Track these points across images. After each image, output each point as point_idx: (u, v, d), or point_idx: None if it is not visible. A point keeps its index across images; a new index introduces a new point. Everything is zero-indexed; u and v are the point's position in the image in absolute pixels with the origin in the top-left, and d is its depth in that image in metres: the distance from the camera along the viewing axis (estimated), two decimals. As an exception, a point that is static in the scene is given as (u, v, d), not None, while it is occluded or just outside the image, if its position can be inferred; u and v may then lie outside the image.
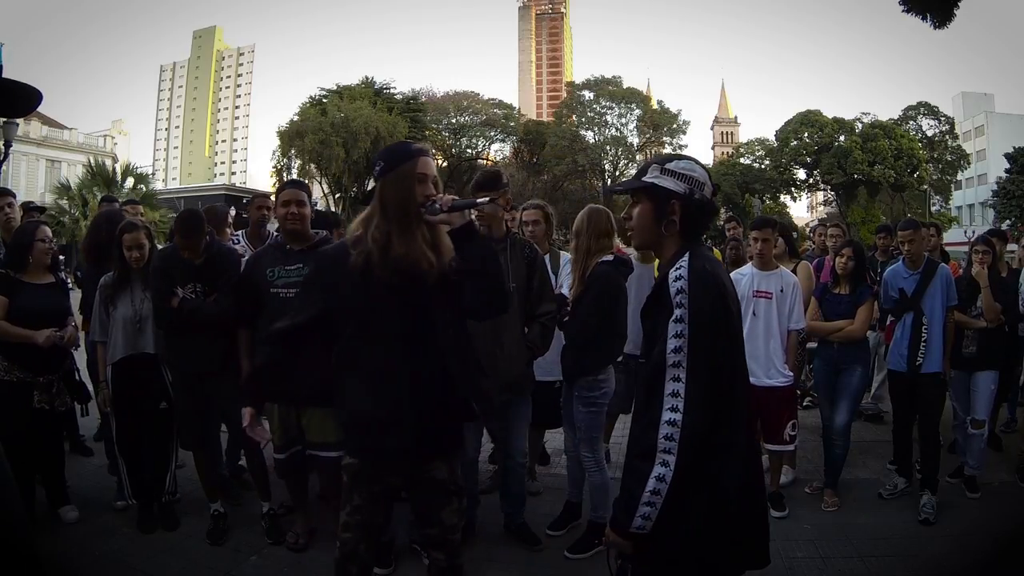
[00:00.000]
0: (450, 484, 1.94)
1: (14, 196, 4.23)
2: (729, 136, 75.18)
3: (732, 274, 3.74)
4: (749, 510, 1.53)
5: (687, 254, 1.52)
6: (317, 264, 2.01)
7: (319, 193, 32.15)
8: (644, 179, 1.60)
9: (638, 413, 1.60)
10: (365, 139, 32.59)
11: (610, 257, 3.00)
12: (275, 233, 3.48)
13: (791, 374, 3.52)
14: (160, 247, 3.43)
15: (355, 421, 1.88)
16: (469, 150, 41.42)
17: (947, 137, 39.32)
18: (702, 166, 1.64)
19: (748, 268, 3.65)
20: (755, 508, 1.57)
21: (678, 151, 40.62)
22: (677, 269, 1.49)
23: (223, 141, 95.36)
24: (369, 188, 1.92)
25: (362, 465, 1.89)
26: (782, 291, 3.51)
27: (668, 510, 1.41)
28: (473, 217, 1.89)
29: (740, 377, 1.55)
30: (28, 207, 4.89)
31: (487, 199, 2.05)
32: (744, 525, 1.51)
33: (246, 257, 3.32)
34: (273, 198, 3.50)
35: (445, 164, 39.95)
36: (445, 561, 1.98)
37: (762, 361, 3.46)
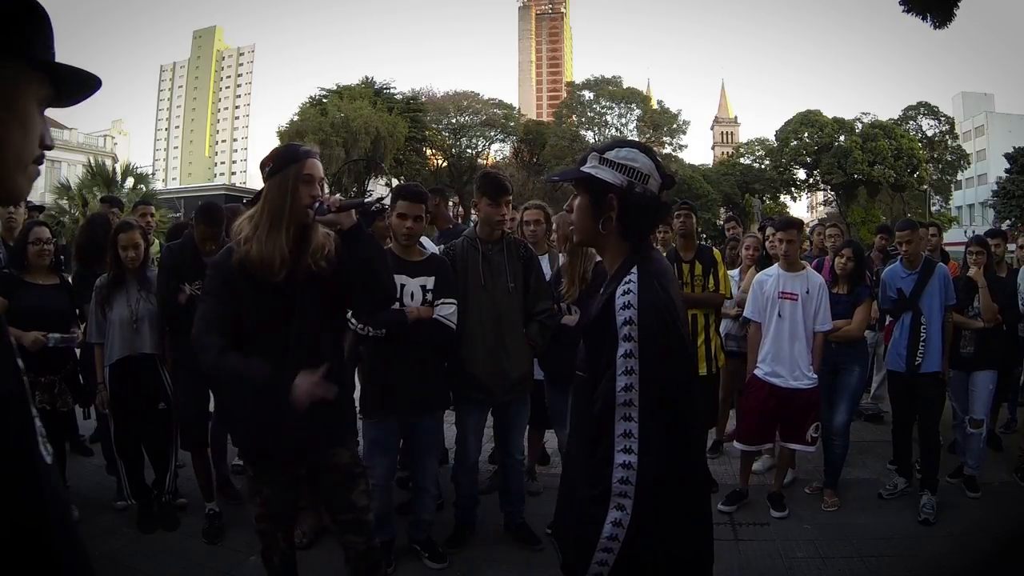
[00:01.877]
0: (354, 467, 1.99)
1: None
2: (729, 136, 75.19)
3: (759, 275, 3.71)
4: (702, 542, 1.43)
5: (635, 270, 1.35)
6: (208, 269, 1.98)
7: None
8: (581, 168, 1.42)
9: (579, 445, 1.46)
10: (365, 139, 32.59)
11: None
12: None
13: (815, 376, 3.47)
14: (163, 246, 3.45)
15: (243, 427, 1.92)
16: (469, 150, 41.41)
17: (947, 137, 39.31)
18: (650, 155, 1.42)
19: (774, 269, 3.60)
20: (706, 538, 1.45)
21: (678, 151, 40.76)
22: (625, 294, 1.31)
23: (223, 141, 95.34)
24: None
25: (260, 458, 1.94)
26: (808, 292, 3.46)
27: (626, 551, 1.28)
28: (357, 217, 1.90)
29: (691, 409, 1.39)
30: (27, 206, 4.89)
31: (374, 199, 2.08)
32: (698, 558, 1.41)
33: None
34: None
35: (445, 164, 39.96)
36: (363, 544, 2.00)
37: (787, 363, 3.43)
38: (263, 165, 1.90)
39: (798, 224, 3.76)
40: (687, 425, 1.36)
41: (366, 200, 2.03)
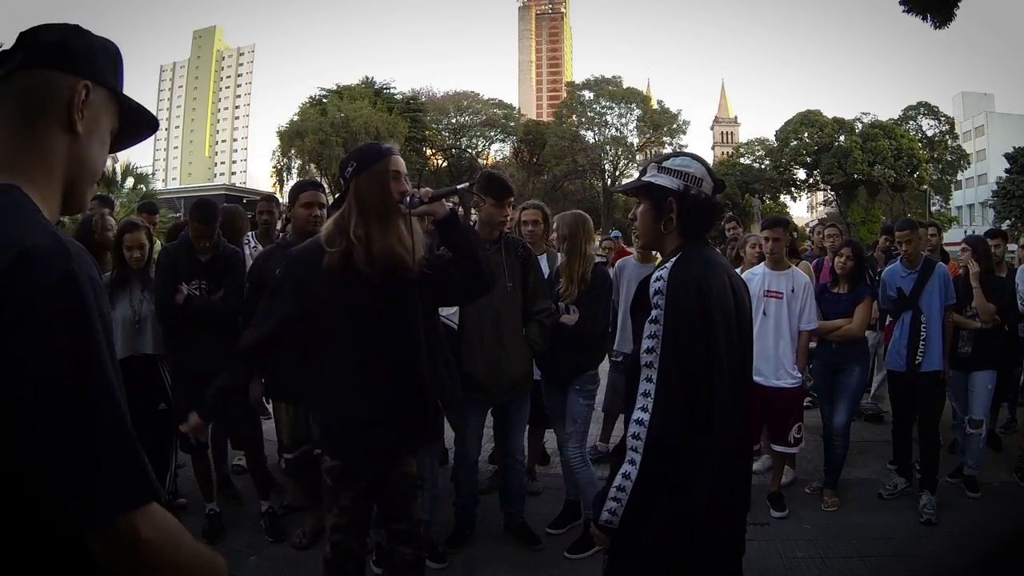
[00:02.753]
0: (416, 479, 2.03)
1: None
2: (729, 136, 75.11)
3: (745, 274, 3.73)
4: (721, 522, 1.45)
5: (677, 255, 1.51)
6: (289, 266, 1.96)
7: (319, 193, 32.13)
8: (643, 179, 1.60)
9: (626, 405, 1.60)
10: (365, 139, 32.52)
11: (602, 258, 3.07)
12: (281, 233, 3.50)
13: (799, 376, 3.50)
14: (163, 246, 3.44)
15: (335, 423, 1.90)
16: (469, 150, 41.43)
17: (947, 137, 39.32)
18: (702, 162, 1.61)
19: (760, 268, 3.63)
20: (730, 521, 1.49)
21: (678, 151, 40.72)
22: (660, 270, 1.49)
23: (223, 141, 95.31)
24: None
25: (344, 466, 1.91)
26: (793, 291, 3.49)
27: (637, 507, 1.41)
28: (455, 206, 1.95)
29: (724, 385, 1.43)
30: None
31: (466, 184, 2.09)
32: (714, 537, 1.43)
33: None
34: (285, 198, 3.53)
35: (445, 164, 39.96)
36: (412, 555, 2.00)
37: (771, 361, 3.45)
38: (344, 164, 1.91)
39: (784, 222, 3.77)
40: (713, 395, 1.42)
41: (457, 187, 2.04)
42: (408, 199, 1.80)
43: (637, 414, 1.41)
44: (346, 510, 1.92)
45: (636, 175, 1.72)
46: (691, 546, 1.42)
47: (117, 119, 0.94)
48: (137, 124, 0.98)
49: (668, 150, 40.22)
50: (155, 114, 1.01)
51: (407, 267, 1.81)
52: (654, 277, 1.48)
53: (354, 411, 1.85)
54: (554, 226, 3.57)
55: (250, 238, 4.03)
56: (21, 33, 0.88)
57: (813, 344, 3.89)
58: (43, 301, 0.72)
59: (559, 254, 3.41)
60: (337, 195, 1.99)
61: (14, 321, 0.70)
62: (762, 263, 3.68)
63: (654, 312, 1.43)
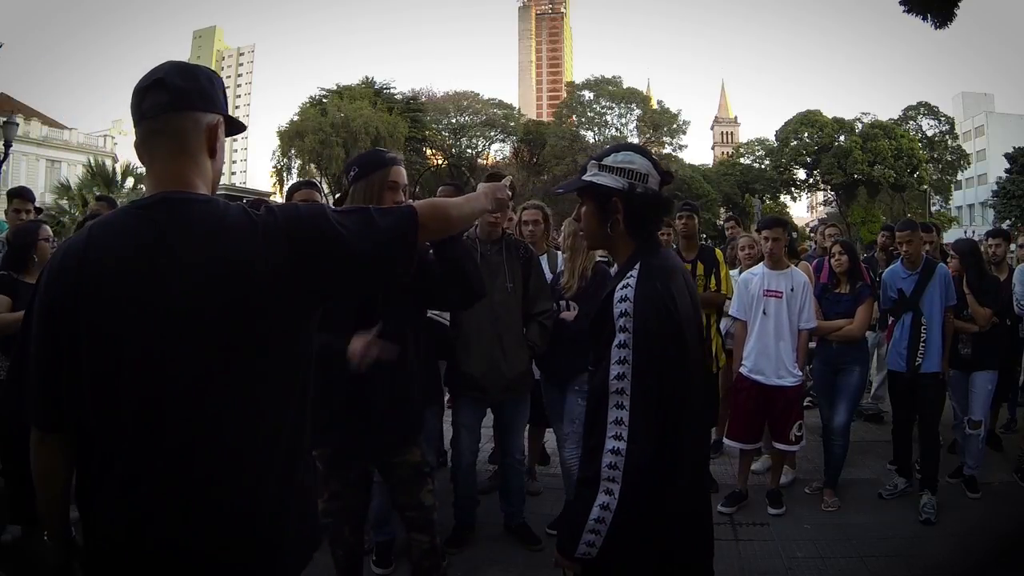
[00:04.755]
0: (424, 465, 2.03)
1: (32, 201, 4.21)
2: (729, 136, 75.15)
3: (744, 274, 3.75)
4: (694, 535, 1.48)
5: (637, 266, 1.42)
6: None
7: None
8: (583, 178, 1.50)
9: (586, 433, 1.52)
10: (365, 139, 32.60)
11: (605, 257, 3.07)
12: None
13: (800, 374, 3.51)
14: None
15: (331, 418, 1.92)
16: (469, 150, 41.43)
17: (947, 137, 39.32)
18: (646, 155, 1.51)
19: (760, 268, 3.64)
20: (700, 532, 1.51)
21: (678, 151, 40.76)
22: (624, 288, 1.38)
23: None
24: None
25: (334, 453, 1.96)
26: (792, 290, 3.49)
27: (612, 537, 1.34)
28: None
29: (689, 403, 1.44)
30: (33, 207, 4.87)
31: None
32: (688, 550, 1.46)
33: None
34: (283, 198, 3.53)
35: (445, 164, 39.95)
36: (428, 542, 2.03)
37: (772, 360, 3.46)
38: (347, 168, 1.95)
39: (783, 222, 3.78)
40: (681, 418, 1.39)
41: None
42: None
43: (611, 443, 1.33)
44: (336, 495, 1.98)
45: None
46: (668, 559, 1.42)
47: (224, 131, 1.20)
48: (235, 127, 1.23)
49: (668, 150, 40.27)
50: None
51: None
52: (618, 297, 1.37)
53: (348, 409, 1.89)
54: (564, 231, 3.57)
55: None
56: (158, 77, 1.10)
57: (813, 344, 3.90)
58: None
59: (560, 253, 3.41)
60: (337, 196, 2.01)
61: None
62: (761, 263, 3.68)
63: (621, 336, 1.35)
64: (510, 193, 1.68)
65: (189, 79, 1.12)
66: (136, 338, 1.00)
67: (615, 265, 1.61)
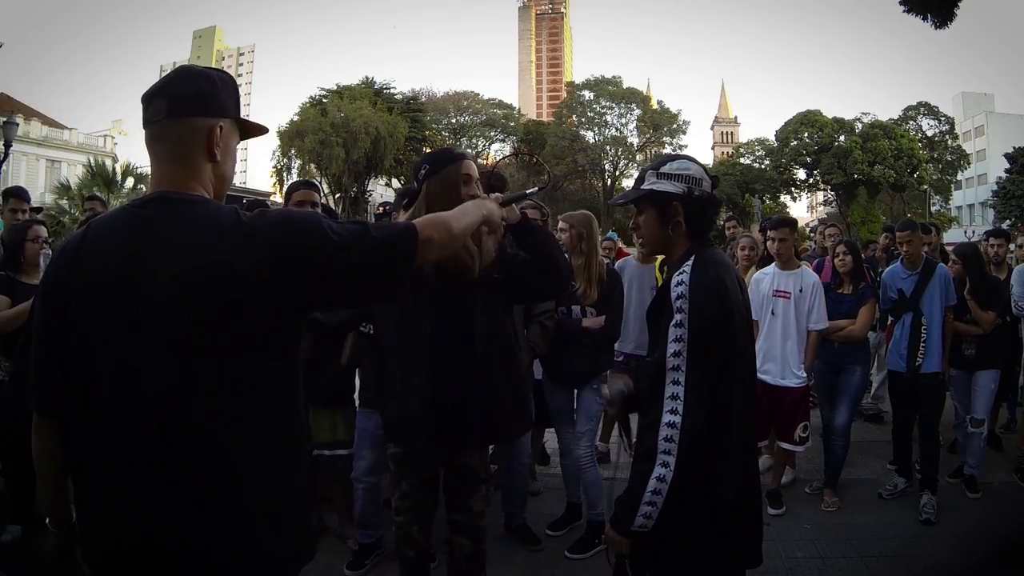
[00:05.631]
0: (481, 472, 2.04)
1: (28, 201, 4.23)
2: (729, 136, 75.06)
3: (756, 274, 3.75)
4: (745, 513, 1.54)
5: (692, 257, 1.52)
6: None
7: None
8: (642, 187, 1.61)
9: (643, 413, 1.60)
10: (365, 139, 32.58)
11: (606, 259, 3.11)
12: None
13: (804, 375, 3.49)
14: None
15: (404, 415, 1.95)
16: (469, 150, 41.40)
17: (947, 137, 39.31)
18: (696, 162, 1.64)
19: (771, 268, 3.64)
20: (751, 511, 1.58)
21: (678, 151, 40.73)
22: (680, 274, 1.49)
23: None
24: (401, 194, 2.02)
25: (405, 453, 1.99)
26: (801, 291, 3.48)
27: (667, 510, 1.42)
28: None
29: (742, 383, 1.53)
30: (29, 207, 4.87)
31: (536, 189, 2.09)
32: (739, 527, 1.53)
33: None
34: (281, 198, 3.56)
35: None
36: (471, 547, 2.05)
37: (778, 361, 3.46)
38: (418, 167, 1.95)
39: (791, 223, 3.77)
40: (733, 396, 1.48)
41: (527, 192, 2.04)
42: None
43: (667, 417, 1.41)
44: (407, 495, 2.01)
45: (636, 176, 1.72)
46: (720, 539, 1.48)
47: (239, 131, 1.23)
48: (251, 129, 1.26)
49: (668, 150, 40.25)
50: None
51: (469, 271, 1.85)
52: (674, 282, 1.49)
53: (410, 411, 1.91)
54: (560, 226, 3.56)
55: None
56: (161, 85, 1.15)
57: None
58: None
59: (569, 256, 3.42)
60: (406, 198, 2.00)
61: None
62: (772, 264, 3.67)
63: (678, 316, 1.45)
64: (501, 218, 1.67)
65: (187, 85, 1.14)
66: (112, 347, 1.03)
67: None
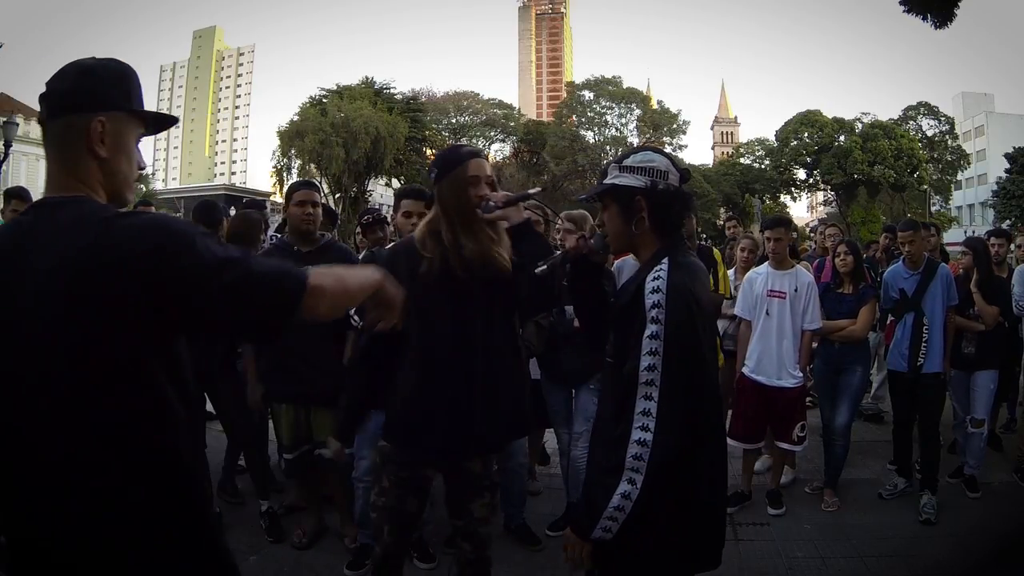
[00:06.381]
0: (484, 479, 1.99)
1: (29, 202, 4.21)
2: (729, 136, 75.12)
3: (749, 273, 3.75)
4: (711, 519, 1.54)
5: (666, 260, 1.46)
6: (390, 261, 1.95)
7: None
8: (605, 181, 1.54)
9: (604, 422, 1.55)
10: (365, 139, 32.54)
11: None
12: (275, 235, 3.47)
13: (801, 375, 3.50)
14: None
15: (406, 414, 1.91)
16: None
17: (947, 137, 39.29)
18: (664, 154, 1.56)
19: (764, 267, 3.64)
20: (716, 516, 1.57)
21: (678, 151, 40.73)
22: (655, 280, 1.42)
23: (223, 141, 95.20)
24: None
25: (392, 449, 1.94)
26: (796, 291, 3.48)
27: (633, 520, 1.38)
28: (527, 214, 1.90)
29: (711, 393, 1.52)
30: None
31: (538, 189, 2.06)
32: (705, 534, 1.52)
33: None
34: (281, 198, 3.52)
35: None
36: (472, 552, 2.02)
37: (774, 361, 3.45)
38: (429, 171, 1.92)
39: (786, 222, 3.77)
40: (705, 413, 1.44)
41: (530, 191, 2.01)
42: (484, 204, 1.79)
43: (637, 434, 1.35)
44: (383, 491, 1.94)
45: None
46: (683, 547, 1.46)
47: (142, 125, 1.16)
48: (160, 122, 1.20)
49: (668, 150, 40.10)
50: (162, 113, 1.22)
51: (503, 269, 1.81)
52: (649, 288, 1.41)
53: (424, 408, 1.87)
54: (558, 224, 3.56)
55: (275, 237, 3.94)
56: (46, 83, 1.09)
57: (815, 344, 3.90)
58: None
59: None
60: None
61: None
62: (765, 263, 3.67)
63: (652, 328, 1.38)
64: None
65: (63, 82, 1.08)
66: None
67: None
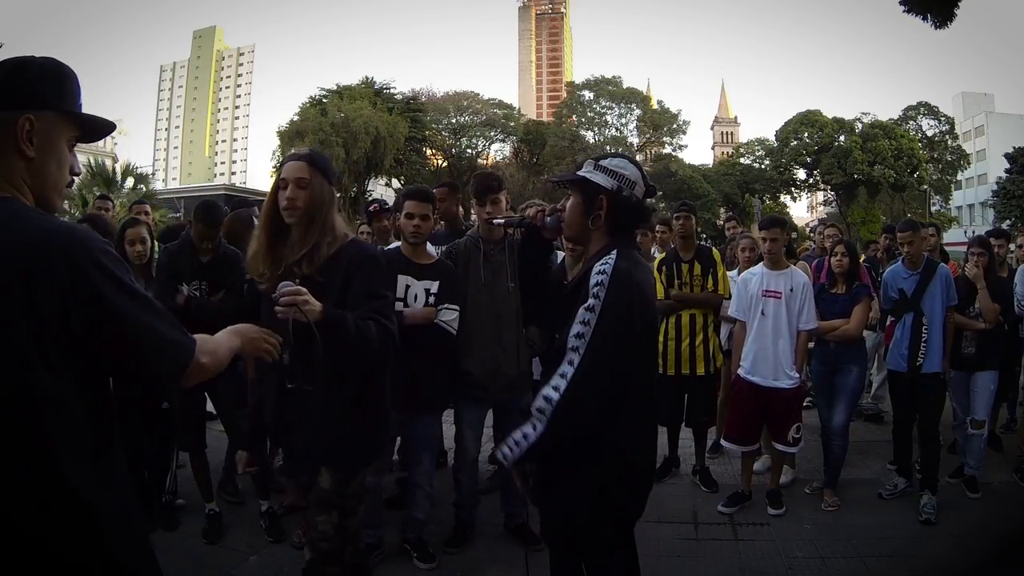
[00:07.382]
0: (333, 496, 1.93)
1: None
2: (729, 136, 75.04)
3: (743, 274, 3.76)
4: (636, 482, 1.68)
5: (615, 252, 1.56)
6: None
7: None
8: (578, 173, 1.66)
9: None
10: (365, 139, 32.53)
11: None
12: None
13: (797, 376, 3.50)
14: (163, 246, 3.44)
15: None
16: (469, 150, 41.36)
17: (947, 137, 39.27)
18: (637, 166, 1.67)
19: (759, 268, 3.64)
20: (643, 481, 1.72)
21: (678, 151, 40.77)
22: (603, 264, 1.53)
23: (223, 141, 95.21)
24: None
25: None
26: (791, 291, 3.48)
27: (555, 481, 1.57)
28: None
29: (638, 380, 1.61)
30: None
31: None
32: (630, 495, 1.66)
33: None
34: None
35: (445, 164, 39.93)
36: (308, 563, 1.99)
37: (770, 362, 3.45)
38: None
39: (781, 222, 3.77)
40: (626, 395, 1.54)
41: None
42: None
43: (547, 391, 1.48)
44: (292, 491, 2.07)
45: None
46: (609, 506, 1.60)
47: (77, 128, 1.12)
48: (98, 127, 1.16)
49: (668, 150, 40.27)
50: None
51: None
52: (596, 270, 1.53)
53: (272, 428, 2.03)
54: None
55: None
56: None
57: (811, 344, 3.91)
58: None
59: (561, 253, 3.41)
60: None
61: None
62: (760, 263, 3.68)
63: (591, 301, 1.49)
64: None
65: None
66: None
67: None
